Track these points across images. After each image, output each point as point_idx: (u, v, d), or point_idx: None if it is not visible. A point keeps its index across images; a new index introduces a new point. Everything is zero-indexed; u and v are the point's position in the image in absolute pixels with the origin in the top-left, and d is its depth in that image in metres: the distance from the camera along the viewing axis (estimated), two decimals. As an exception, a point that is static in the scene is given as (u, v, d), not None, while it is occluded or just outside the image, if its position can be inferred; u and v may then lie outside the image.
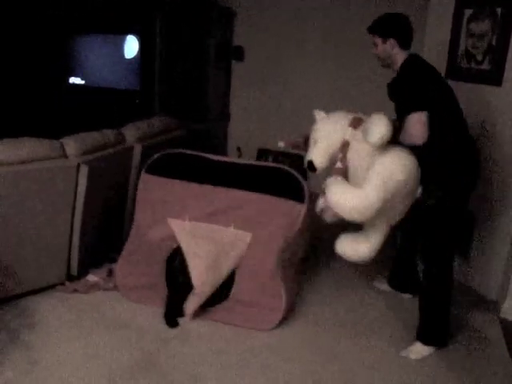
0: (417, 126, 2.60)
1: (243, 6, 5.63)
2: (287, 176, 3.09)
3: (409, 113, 2.63)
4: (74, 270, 3.33)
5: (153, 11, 5.43)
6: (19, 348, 2.71)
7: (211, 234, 3.06)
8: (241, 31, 5.73)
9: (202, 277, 2.98)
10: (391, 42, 2.82)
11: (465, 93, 3.60)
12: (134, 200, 3.65)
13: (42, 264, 3.16)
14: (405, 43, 2.83)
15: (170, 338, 2.89)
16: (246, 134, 5.85)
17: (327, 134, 2.73)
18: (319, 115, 2.86)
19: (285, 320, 3.06)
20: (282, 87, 5.59)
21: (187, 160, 3.32)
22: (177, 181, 3.19)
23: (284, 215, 3.02)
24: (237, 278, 3.03)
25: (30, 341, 2.77)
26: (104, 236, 3.58)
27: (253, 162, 3.36)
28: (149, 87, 5.68)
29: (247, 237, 3.01)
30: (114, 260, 3.53)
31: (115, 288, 3.32)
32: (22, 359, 2.62)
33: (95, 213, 3.36)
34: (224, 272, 3.02)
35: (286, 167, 3.15)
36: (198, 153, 3.33)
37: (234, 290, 3.03)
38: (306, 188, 3.05)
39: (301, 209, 3.02)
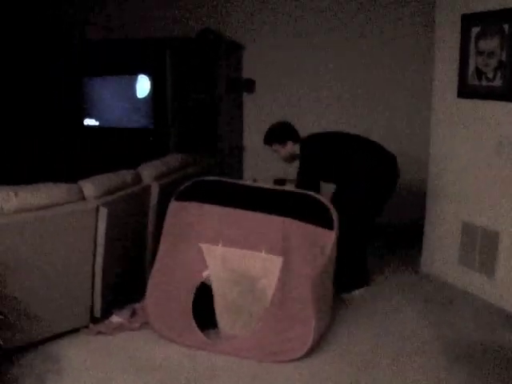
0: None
1: (251, 38, 5.70)
2: (317, 203, 3.10)
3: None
4: (98, 312, 3.32)
5: (162, 49, 5.52)
6: (46, 395, 2.69)
7: (242, 260, 3.05)
8: (250, 64, 5.78)
9: (226, 319, 3.00)
10: (289, 143, 3.72)
11: (478, 110, 3.60)
12: (154, 238, 3.69)
13: (65, 308, 3.15)
14: (296, 138, 3.74)
15: (198, 377, 2.84)
16: (261, 165, 5.84)
17: None
18: None
19: (311, 352, 3.00)
20: (294, 116, 5.59)
21: (219, 185, 3.34)
22: (210, 205, 3.18)
23: (314, 242, 3.01)
24: (267, 306, 2.98)
25: (57, 387, 2.75)
26: (126, 276, 3.57)
27: (283, 188, 3.38)
28: (162, 125, 5.73)
29: (278, 261, 2.98)
30: (137, 300, 3.52)
31: (140, 328, 3.30)
32: (49, 406, 2.60)
33: (116, 254, 3.36)
34: (253, 304, 3.02)
35: (316, 194, 3.16)
36: (229, 179, 3.37)
37: (263, 320, 2.98)
38: (335, 215, 3.04)
39: (330, 235, 3.01)
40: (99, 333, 3.25)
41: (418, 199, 4.46)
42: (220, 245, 3.08)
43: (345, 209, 3.46)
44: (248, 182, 3.37)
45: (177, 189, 3.35)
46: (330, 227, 3.02)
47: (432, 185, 4.11)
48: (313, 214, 3.06)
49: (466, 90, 3.64)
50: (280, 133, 3.78)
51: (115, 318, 3.39)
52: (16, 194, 2.83)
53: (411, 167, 5.00)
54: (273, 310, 2.98)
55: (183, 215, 3.22)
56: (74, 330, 3.25)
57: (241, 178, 6.03)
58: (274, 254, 2.99)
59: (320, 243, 3.01)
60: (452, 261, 3.96)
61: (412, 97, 5.11)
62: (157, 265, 3.25)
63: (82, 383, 2.79)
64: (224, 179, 3.39)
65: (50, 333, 3.12)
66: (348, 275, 3.78)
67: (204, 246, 3.11)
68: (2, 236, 2.76)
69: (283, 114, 5.58)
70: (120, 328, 3.32)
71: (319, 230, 3.02)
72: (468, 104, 3.66)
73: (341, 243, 3.46)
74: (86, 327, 3.28)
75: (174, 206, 3.28)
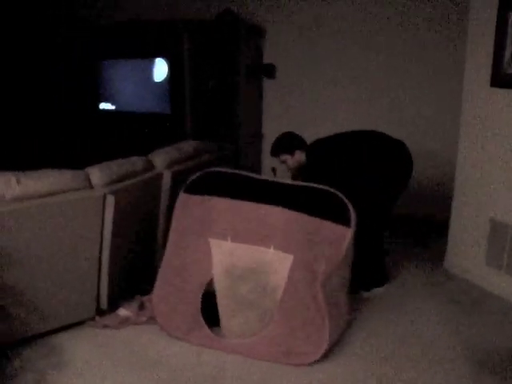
0: None
1: (272, 22, 5.50)
2: (334, 198, 2.90)
3: None
4: (104, 304, 3.19)
5: (180, 32, 5.35)
6: (46, 391, 2.57)
7: (251, 256, 2.88)
8: (271, 48, 5.60)
9: (238, 317, 2.86)
10: (297, 152, 3.64)
11: (513, 101, 3.38)
12: (165, 228, 3.54)
13: (70, 299, 3.03)
14: (303, 147, 3.65)
15: (206, 376, 2.70)
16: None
17: None
18: None
19: (328, 355, 2.84)
20: (316, 103, 5.42)
21: (228, 177, 3.15)
22: (219, 198, 3.00)
23: (329, 239, 2.82)
24: (276, 309, 2.82)
25: (57, 382, 2.63)
26: (134, 267, 3.44)
27: (298, 182, 3.18)
28: (179, 110, 5.58)
29: (288, 259, 2.80)
30: (145, 292, 3.39)
31: (147, 322, 3.18)
32: (48, 404, 2.49)
33: (124, 244, 3.22)
34: (263, 303, 2.87)
35: (333, 189, 2.96)
36: (240, 171, 3.20)
37: (274, 319, 2.82)
38: (352, 211, 2.85)
39: (346, 233, 2.82)
40: (105, 326, 3.14)
41: (445, 195, 4.26)
42: (229, 240, 2.93)
43: (359, 204, 3.30)
44: (260, 176, 3.17)
45: (186, 179, 3.18)
46: (348, 224, 2.83)
47: (460, 180, 3.90)
48: (329, 210, 2.87)
49: (500, 79, 3.42)
50: (287, 142, 3.71)
51: (122, 311, 3.26)
52: (18, 181, 2.70)
53: (437, 161, 4.82)
54: (283, 310, 2.81)
55: (192, 209, 3.06)
56: (79, 323, 3.14)
57: (259, 166, 5.87)
58: (284, 250, 2.82)
59: (335, 240, 2.82)
60: (478, 260, 3.75)
61: (440, 88, 4.86)
62: (165, 260, 3.10)
63: (84, 380, 2.68)
64: (234, 171, 3.21)
65: (53, 325, 3.02)
66: (366, 273, 3.62)
67: (212, 242, 2.95)
68: (3, 224, 2.63)
69: (304, 102, 5.45)
70: (126, 321, 3.19)
71: (335, 227, 2.82)
72: (502, 94, 3.44)
73: (358, 240, 3.35)
74: (92, 320, 3.17)
75: (182, 198, 3.11)
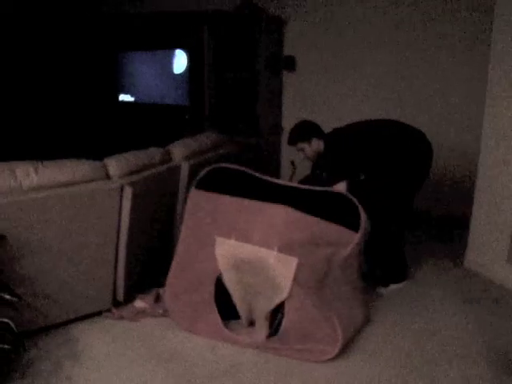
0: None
1: (293, 14, 5.44)
2: (344, 201, 2.86)
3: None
4: (121, 296, 3.19)
5: (200, 24, 5.31)
6: (62, 381, 2.58)
7: (254, 257, 2.81)
8: (291, 40, 5.53)
9: (245, 307, 2.86)
10: (314, 140, 3.51)
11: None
12: (182, 221, 3.53)
13: (86, 290, 3.03)
14: (321, 135, 3.53)
15: (221, 371, 2.68)
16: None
17: None
18: None
19: (345, 351, 2.80)
20: (336, 96, 5.35)
21: (236, 175, 3.13)
22: (226, 196, 2.98)
23: (335, 242, 2.78)
24: (286, 308, 2.78)
25: (73, 374, 2.64)
26: (152, 259, 3.44)
27: (307, 186, 3.12)
28: (198, 102, 5.55)
29: (293, 262, 2.72)
30: (162, 284, 3.38)
31: (164, 314, 3.17)
32: (63, 394, 2.49)
33: (141, 235, 3.21)
34: (270, 299, 2.82)
35: (347, 194, 2.93)
36: (250, 170, 3.14)
37: (284, 322, 2.78)
38: (363, 216, 2.79)
39: (353, 237, 2.78)
40: (121, 318, 3.14)
41: (466, 191, 4.18)
42: (233, 239, 2.87)
43: (379, 196, 3.30)
44: (271, 178, 3.10)
45: (196, 176, 3.15)
46: (356, 229, 2.78)
47: (482, 177, 3.81)
48: (339, 213, 2.83)
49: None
50: (305, 130, 3.59)
51: (139, 303, 3.26)
52: (36, 170, 2.70)
53: (459, 157, 4.73)
54: (293, 311, 2.76)
55: (202, 205, 3.03)
56: (96, 314, 3.14)
57: (279, 159, 5.83)
58: (288, 253, 2.73)
59: (341, 243, 2.78)
60: (500, 258, 3.67)
61: (464, 84, 4.76)
62: (176, 256, 3.09)
63: (99, 371, 2.68)
64: (242, 168, 3.14)
65: (70, 316, 3.03)
66: (385, 268, 3.58)
67: (218, 240, 2.91)
68: (20, 214, 2.63)
69: (324, 95, 5.38)
70: (143, 313, 3.19)
71: (343, 230, 2.78)
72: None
73: (378, 235, 3.31)
74: (108, 311, 3.17)
75: (193, 194, 3.09)
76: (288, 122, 5.72)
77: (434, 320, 3.20)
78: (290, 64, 5.54)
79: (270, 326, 2.87)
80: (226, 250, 2.89)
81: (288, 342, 2.79)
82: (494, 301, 3.44)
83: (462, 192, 4.37)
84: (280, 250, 2.74)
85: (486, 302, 3.42)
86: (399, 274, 3.62)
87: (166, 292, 3.10)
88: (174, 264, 3.09)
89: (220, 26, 5.34)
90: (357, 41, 5.17)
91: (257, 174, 3.11)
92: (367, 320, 3.12)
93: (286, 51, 5.57)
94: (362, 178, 3.49)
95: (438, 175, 4.18)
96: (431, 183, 3.62)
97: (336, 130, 3.59)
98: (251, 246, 2.82)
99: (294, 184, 3.14)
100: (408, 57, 4.94)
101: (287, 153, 5.81)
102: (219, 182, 3.07)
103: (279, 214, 2.82)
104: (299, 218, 2.79)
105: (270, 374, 2.67)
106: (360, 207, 2.83)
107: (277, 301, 2.79)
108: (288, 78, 5.66)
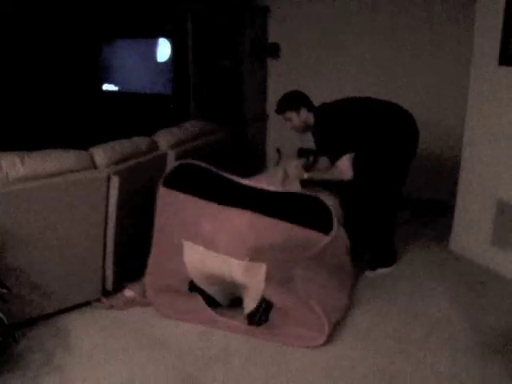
0: (345, 167, 3.29)
1: (277, 1, 5.41)
2: (316, 204, 2.84)
3: (335, 156, 3.35)
4: (110, 285, 3.19)
5: (184, 12, 5.28)
6: (53, 371, 2.58)
7: (223, 266, 2.78)
8: (276, 27, 5.51)
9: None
10: (303, 110, 3.44)
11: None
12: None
13: (76, 280, 3.03)
14: (310, 106, 3.48)
15: (211, 358, 2.71)
16: (286, 134, 5.62)
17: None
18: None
19: (334, 335, 2.84)
20: (320, 83, 5.36)
21: (205, 175, 3.07)
22: (194, 197, 2.93)
23: (303, 245, 2.77)
24: (268, 297, 2.80)
25: (64, 364, 2.64)
26: (139, 248, 3.42)
27: (278, 189, 3.07)
28: (183, 91, 5.53)
29: (262, 268, 2.70)
30: (150, 273, 3.40)
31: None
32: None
33: (129, 224, 3.21)
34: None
35: (316, 195, 2.90)
36: (218, 170, 3.07)
37: (272, 310, 2.82)
38: (335, 217, 2.78)
39: (323, 240, 2.76)
40: (111, 307, 3.14)
41: (450, 173, 4.22)
42: (200, 245, 2.82)
43: (369, 178, 3.32)
44: (238, 178, 3.04)
45: (166, 171, 3.15)
46: (326, 231, 2.76)
47: (466, 158, 3.85)
48: (309, 216, 2.80)
49: (508, 58, 3.35)
50: (294, 99, 3.52)
51: (128, 292, 3.27)
52: (22, 161, 2.68)
53: (444, 139, 4.76)
54: (275, 300, 2.80)
55: (169, 204, 3.00)
56: (85, 304, 3.14)
57: (264, 146, 5.83)
58: (258, 260, 2.70)
59: (309, 246, 2.77)
60: (484, 241, 3.72)
61: (448, 64, 4.78)
62: (152, 254, 3.09)
63: (91, 360, 2.69)
64: (211, 168, 3.08)
65: (59, 306, 3.03)
66: (374, 252, 3.62)
67: (185, 243, 2.88)
68: (7, 205, 2.62)
69: (309, 81, 5.37)
70: (132, 303, 3.20)
71: (311, 233, 2.75)
72: (510, 72, 3.38)
73: (366, 217, 3.35)
74: (98, 301, 3.17)
75: (161, 192, 3.05)
76: (272, 110, 5.71)
77: (420, 302, 3.25)
78: (275, 51, 5.53)
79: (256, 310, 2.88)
80: (195, 257, 2.86)
81: (277, 328, 2.82)
82: (479, 282, 3.49)
83: (448, 176, 4.40)
84: (251, 259, 2.70)
85: (472, 284, 3.47)
86: (388, 258, 3.65)
87: (146, 288, 3.11)
88: (149, 262, 3.10)
89: (204, 13, 5.31)
90: (341, 27, 5.16)
91: (224, 174, 3.05)
92: (350, 302, 3.15)
93: (271, 38, 5.56)
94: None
95: (423, 157, 4.20)
96: (416, 166, 3.64)
97: (325, 105, 3.54)
98: (219, 256, 2.77)
99: (262, 185, 3.01)
100: (393, 40, 4.94)
101: (272, 140, 5.83)
102: (186, 181, 3.04)
103: (244, 220, 2.77)
104: (264, 223, 2.75)
105: (260, 360, 2.69)
106: (331, 208, 2.81)
107: (256, 299, 2.81)
108: (272, 65, 5.65)
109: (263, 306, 2.82)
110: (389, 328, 2.97)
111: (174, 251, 2.94)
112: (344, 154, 3.33)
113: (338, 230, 2.80)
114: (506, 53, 3.38)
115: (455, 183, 3.98)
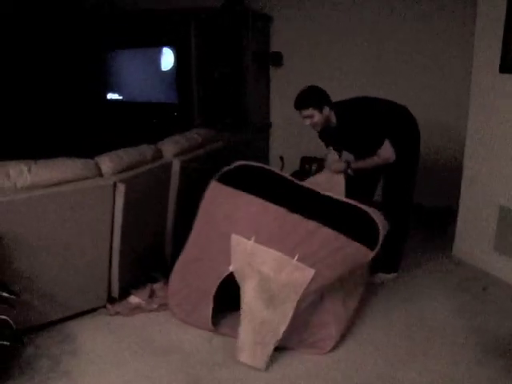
0: (389, 151, 3.31)
1: (279, 10, 5.47)
2: (365, 218, 2.84)
3: (373, 146, 3.34)
4: (115, 292, 3.23)
5: (187, 21, 5.33)
6: (60, 377, 2.61)
7: (271, 262, 2.75)
8: (278, 36, 5.56)
9: (251, 304, 2.76)
10: (326, 109, 3.35)
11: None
12: (174, 217, 3.57)
13: (82, 287, 3.07)
14: (331, 104, 3.38)
15: (218, 363, 2.73)
16: (289, 142, 5.69)
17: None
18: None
19: (338, 340, 2.85)
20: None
21: (263, 174, 3.12)
22: (251, 196, 2.90)
23: (351, 259, 2.77)
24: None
25: (72, 369, 2.67)
26: (145, 255, 3.47)
27: (334, 195, 3.07)
28: (187, 99, 5.58)
29: (310, 273, 2.69)
30: (155, 280, 3.43)
31: (158, 309, 3.21)
32: (62, 390, 2.53)
33: (134, 232, 3.24)
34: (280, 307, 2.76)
35: (367, 208, 2.90)
36: (278, 171, 3.19)
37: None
38: (381, 233, 2.78)
39: (368, 255, 2.76)
40: (117, 313, 3.17)
41: (453, 181, 4.25)
42: (252, 240, 2.80)
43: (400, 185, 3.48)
44: (296, 180, 3.14)
45: (221, 169, 3.13)
46: (373, 247, 2.75)
47: (468, 165, 3.88)
48: (359, 229, 2.79)
49: (509, 65, 3.39)
50: (317, 97, 3.38)
51: (133, 299, 3.30)
52: (29, 170, 2.72)
53: (447, 147, 4.79)
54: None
55: (221, 199, 2.99)
56: (91, 311, 3.17)
57: (267, 154, 5.87)
58: (307, 264, 2.70)
59: (356, 261, 2.79)
60: (487, 247, 3.75)
61: (449, 74, 4.83)
62: (186, 249, 3.08)
63: (98, 365, 2.72)
64: (269, 168, 3.18)
65: (66, 313, 3.06)
66: (381, 255, 3.59)
67: (235, 238, 2.84)
68: (14, 213, 2.66)
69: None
70: (138, 309, 3.23)
71: (360, 248, 2.75)
72: (511, 79, 3.42)
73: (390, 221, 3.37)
74: (104, 307, 3.20)
75: (213, 186, 3.02)
76: (275, 118, 5.79)
77: (423, 307, 3.28)
78: (277, 60, 5.58)
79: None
80: (243, 250, 2.82)
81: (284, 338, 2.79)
82: (481, 288, 3.52)
83: (451, 183, 4.42)
84: (300, 259, 2.70)
85: (474, 290, 3.50)
86: (392, 265, 3.65)
87: (172, 278, 3.12)
88: (181, 257, 3.10)
89: (207, 22, 5.36)
90: (343, 36, 5.21)
91: (283, 175, 3.14)
92: (358, 310, 3.17)
93: (273, 47, 5.61)
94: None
95: (427, 165, 4.23)
96: (420, 174, 3.67)
97: (339, 103, 3.48)
98: (270, 250, 2.75)
99: (318, 190, 3.07)
100: (397, 48, 4.98)
101: (276, 148, 5.87)
102: (243, 179, 3.03)
103: (302, 226, 2.77)
104: (322, 233, 2.74)
105: (268, 365, 2.71)
106: (379, 223, 2.81)
107: (281, 325, 2.73)
108: (275, 74, 5.70)
109: None
110: (391, 333, 3.00)
111: (216, 246, 2.92)
112: (371, 147, 3.35)
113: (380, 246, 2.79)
114: (507, 60, 3.42)
115: (459, 190, 4.01)
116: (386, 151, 3.30)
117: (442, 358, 2.76)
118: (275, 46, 5.60)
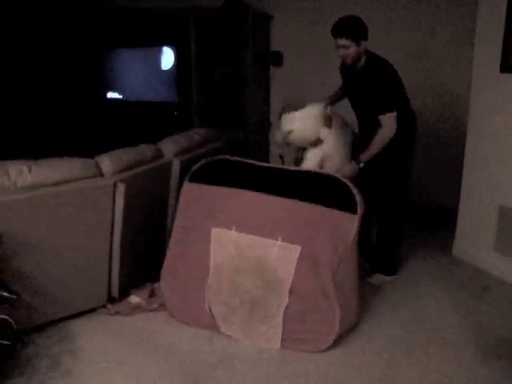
0: (392, 123, 3.18)
1: (280, 9, 5.47)
2: (338, 185, 2.86)
3: (377, 111, 3.20)
4: (115, 292, 3.22)
5: (187, 20, 5.33)
6: (60, 376, 2.61)
7: (257, 248, 2.83)
8: (278, 36, 5.57)
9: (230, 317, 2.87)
10: (363, 44, 3.18)
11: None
12: (174, 216, 3.56)
13: (82, 287, 3.06)
14: (367, 42, 3.21)
15: (216, 362, 2.73)
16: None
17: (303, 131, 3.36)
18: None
19: (335, 342, 2.84)
20: (323, 91, 5.38)
21: (234, 166, 3.16)
22: (224, 188, 3.00)
23: (335, 227, 2.78)
24: (287, 297, 2.80)
25: (72, 369, 2.67)
26: (145, 255, 3.47)
27: (303, 169, 3.16)
28: (187, 98, 5.58)
29: (296, 250, 2.76)
30: (156, 279, 3.42)
31: (158, 309, 3.21)
32: (62, 389, 2.52)
33: (134, 231, 3.24)
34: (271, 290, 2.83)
35: (337, 175, 2.93)
36: (245, 159, 3.18)
37: (284, 310, 2.81)
38: (358, 198, 2.81)
39: (354, 220, 2.78)
40: (117, 313, 3.17)
41: (453, 180, 4.25)
42: (233, 229, 2.88)
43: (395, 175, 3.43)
44: (264, 163, 3.15)
45: (190, 169, 3.20)
46: (354, 211, 2.78)
47: (468, 165, 3.88)
48: (335, 197, 2.83)
49: (510, 65, 3.39)
50: (360, 28, 3.20)
51: (133, 298, 3.29)
52: (30, 169, 2.72)
53: (447, 145, 4.79)
54: (293, 300, 2.79)
55: (196, 198, 3.07)
56: (91, 310, 3.17)
57: (267, 154, 5.87)
58: (292, 241, 2.77)
59: (342, 228, 2.79)
60: (487, 246, 3.75)
61: (450, 75, 4.82)
62: (171, 249, 3.13)
63: (98, 365, 2.71)
64: (237, 159, 3.18)
65: (66, 313, 3.05)
66: (377, 256, 3.63)
67: (216, 231, 2.92)
68: (15, 213, 2.66)
69: (312, 89, 5.41)
70: (138, 308, 3.22)
71: (342, 214, 2.77)
72: (511, 79, 3.42)
73: (383, 223, 3.50)
74: (103, 307, 3.20)
75: (186, 187, 3.13)
76: (275, 117, 5.76)
77: (423, 307, 3.28)
78: (278, 59, 5.58)
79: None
80: (227, 242, 2.89)
81: (284, 330, 2.82)
82: (482, 288, 3.52)
83: (451, 182, 4.42)
84: (284, 240, 2.77)
85: (475, 290, 3.50)
86: (390, 266, 3.64)
87: (162, 285, 3.14)
88: (167, 258, 3.14)
89: (207, 22, 5.36)
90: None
91: (252, 162, 3.14)
92: (359, 315, 3.14)
93: (274, 47, 5.61)
94: None
95: (426, 164, 4.23)
96: (420, 169, 3.67)
97: (373, 53, 3.36)
98: (254, 237, 2.83)
99: (291, 168, 3.12)
100: (397, 47, 4.96)
101: (275, 147, 5.85)
102: (215, 174, 3.10)
103: (279, 204, 2.84)
104: (299, 207, 2.81)
105: (266, 364, 2.72)
106: (354, 188, 2.82)
107: (273, 303, 2.80)
108: (275, 73, 5.70)
109: None
110: (392, 333, 3.00)
111: (198, 244, 2.98)
112: (380, 108, 3.22)
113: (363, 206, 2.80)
114: (508, 60, 3.42)
115: (459, 189, 4.01)
116: (390, 120, 3.18)
117: (443, 358, 2.76)
118: (275, 46, 5.61)
